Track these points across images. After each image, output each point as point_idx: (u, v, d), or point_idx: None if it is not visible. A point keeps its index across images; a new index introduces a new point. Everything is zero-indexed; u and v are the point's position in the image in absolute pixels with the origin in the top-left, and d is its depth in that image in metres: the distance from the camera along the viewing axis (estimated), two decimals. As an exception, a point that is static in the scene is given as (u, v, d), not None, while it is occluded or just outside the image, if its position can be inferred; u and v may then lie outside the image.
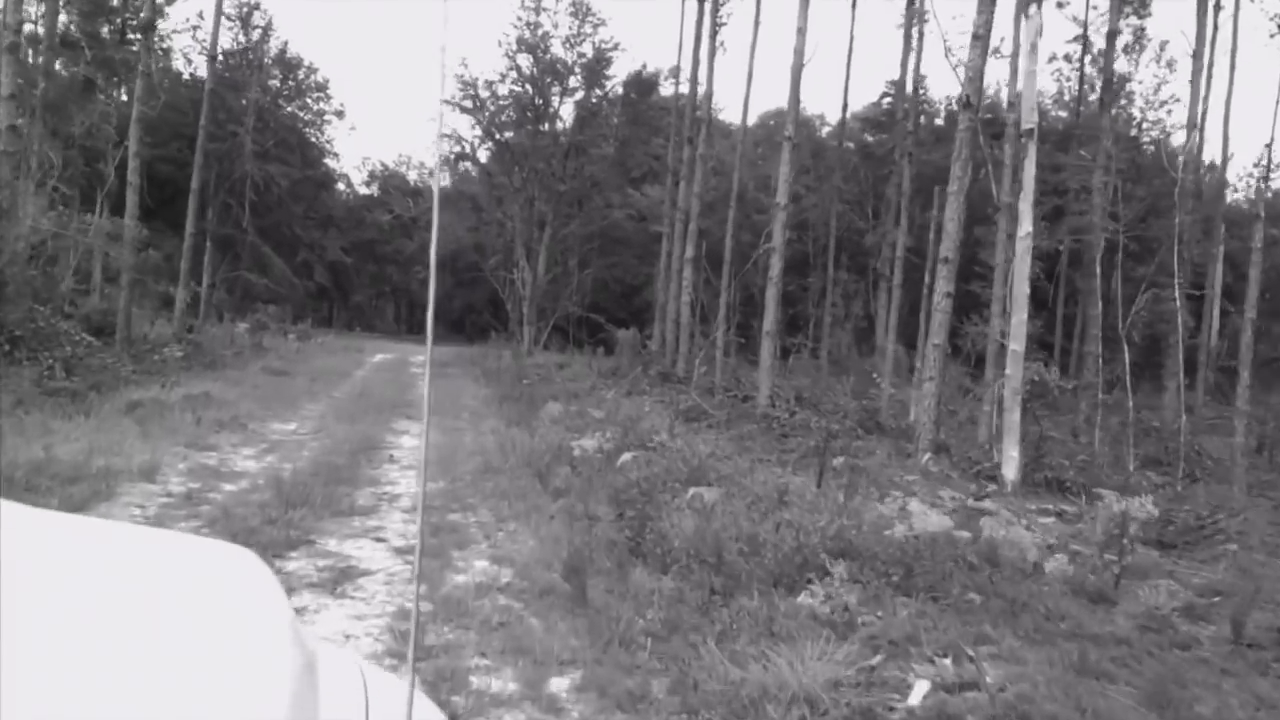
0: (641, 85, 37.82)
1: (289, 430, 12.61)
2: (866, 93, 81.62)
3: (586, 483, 9.30)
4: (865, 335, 37.11)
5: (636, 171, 40.78)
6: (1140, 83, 35.58)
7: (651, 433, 11.88)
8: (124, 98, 41.17)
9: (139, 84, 19.64)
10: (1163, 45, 35.51)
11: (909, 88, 25.23)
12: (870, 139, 39.95)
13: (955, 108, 39.55)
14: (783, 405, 16.58)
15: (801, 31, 15.90)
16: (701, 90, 23.05)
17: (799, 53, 16.00)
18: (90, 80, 25.37)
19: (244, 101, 42.72)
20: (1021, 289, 9.92)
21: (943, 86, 47.38)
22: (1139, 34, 34.62)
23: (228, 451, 10.54)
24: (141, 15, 20.88)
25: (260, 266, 43.26)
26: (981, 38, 11.44)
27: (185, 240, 23.90)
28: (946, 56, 16.55)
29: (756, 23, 22.25)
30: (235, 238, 43.19)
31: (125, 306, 19.17)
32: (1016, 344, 9.99)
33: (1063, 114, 39.56)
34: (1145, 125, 38.42)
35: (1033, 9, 10.08)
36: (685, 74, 27.23)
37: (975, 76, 11.80)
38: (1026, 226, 9.75)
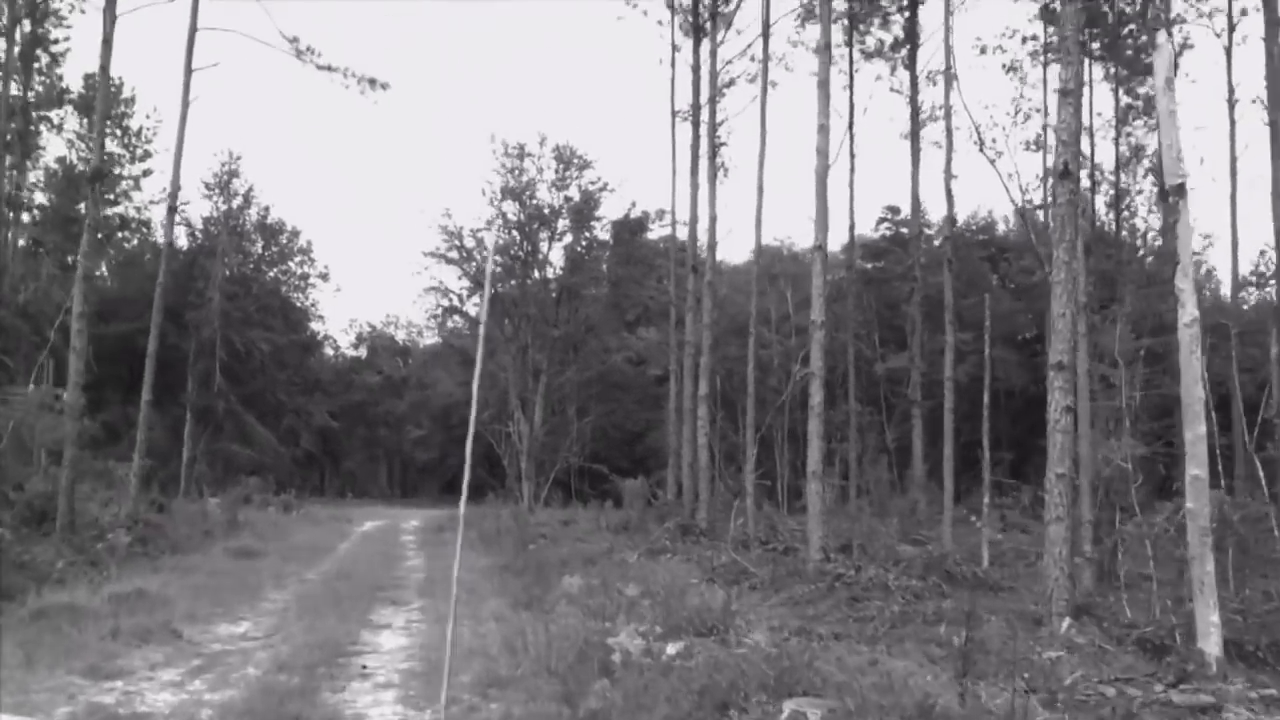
0: (632, 225, 36.11)
1: (237, 634, 9.69)
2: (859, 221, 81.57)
3: (634, 701, 6.44)
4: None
5: (631, 314, 38.70)
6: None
7: (703, 611, 9.02)
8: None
9: (84, 238, 17.36)
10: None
11: (919, 201, 23.27)
12: (869, 266, 38.07)
13: (942, 230, 37.89)
14: (838, 558, 13.72)
15: (824, 129, 13.80)
16: (705, 216, 21.00)
17: (822, 153, 13.87)
18: (38, 242, 23.07)
19: (225, 268, 40.92)
20: (1194, 393, 7.38)
21: (936, 208, 46.16)
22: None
23: (141, 678, 7.64)
24: (90, 165, 18.74)
25: (243, 436, 40.55)
26: (1072, 92, 9.26)
27: (141, 410, 21.06)
28: (981, 149, 14.74)
29: (763, 132, 20.36)
30: (216, 408, 40.65)
31: (67, 487, 16.35)
32: (1197, 467, 7.37)
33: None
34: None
35: (1161, 36, 7.89)
36: (684, 201, 25.38)
37: (1071, 139, 9.59)
38: (1191, 310, 7.29)
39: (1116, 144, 25.33)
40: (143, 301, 42.23)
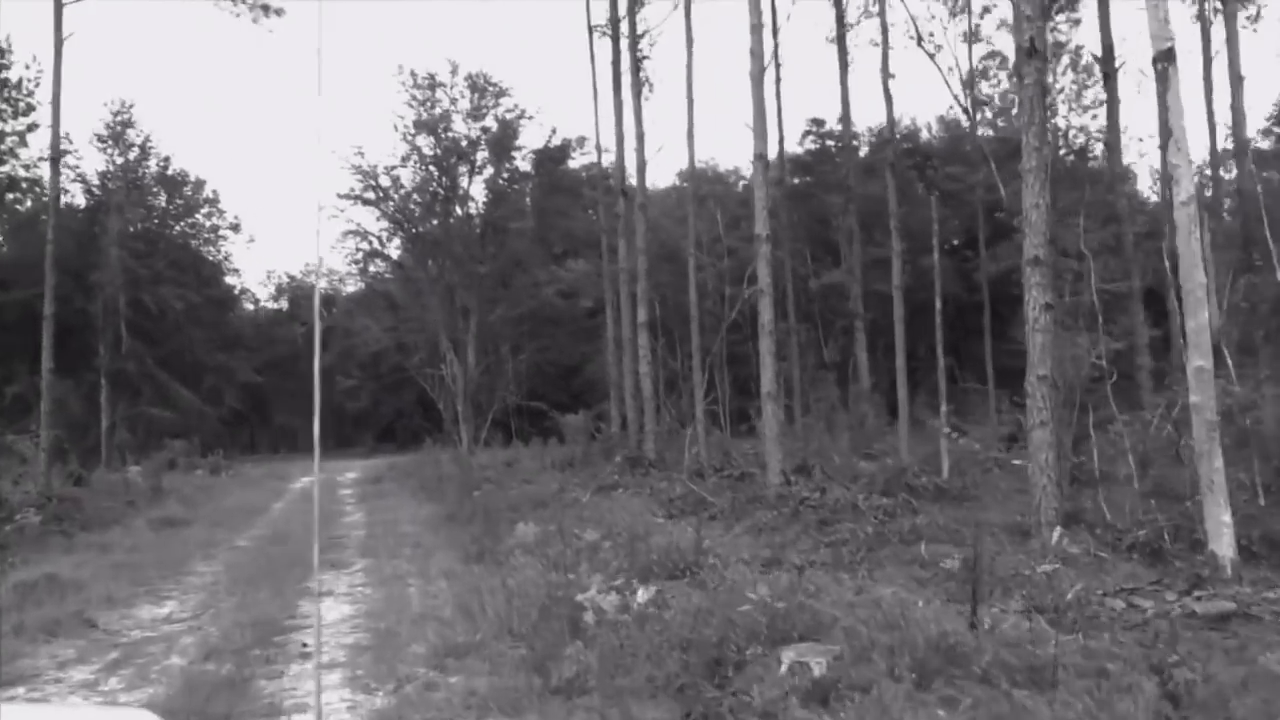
0: (555, 153, 34.72)
1: (160, 617, 8.73)
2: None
3: (611, 663, 5.69)
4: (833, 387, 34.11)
5: (559, 247, 37.52)
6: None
7: (671, 551, 8.31)
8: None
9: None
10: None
11: (849, 109, 22.43)
12: (797, 181, 37.29)
13: (882, 134, 37.23)
14: (798, 480, 13.12)
15: (757, 29, 12.83)
16: (631, 136, 19.93)
17: (757, 55, 12.93)
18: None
19: (127, 224, 38.67)
20: (1195, 278, 6.75)
21: (862, 118, 45.10)
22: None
23: (48, 679, 6.69)
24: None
25: (164, 399, 38.76)
26: (1037, -35, 8.52)
27: (44, 378, 19.60)
28: (920, 43, 13.85)
29: (689, 39, 19.25)
30: (131, 372, 38.74)
31: (-34, 468, 15.02)
32: (1201, 358, 6.76)
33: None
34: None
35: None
36: (608, 123, 24.22)
37: (1036, 14, 8.81)
38: (1187, 188, 6.61)
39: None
40: (43, 266, 39.90)
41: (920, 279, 35.57)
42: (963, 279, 35.54)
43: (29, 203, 40.35)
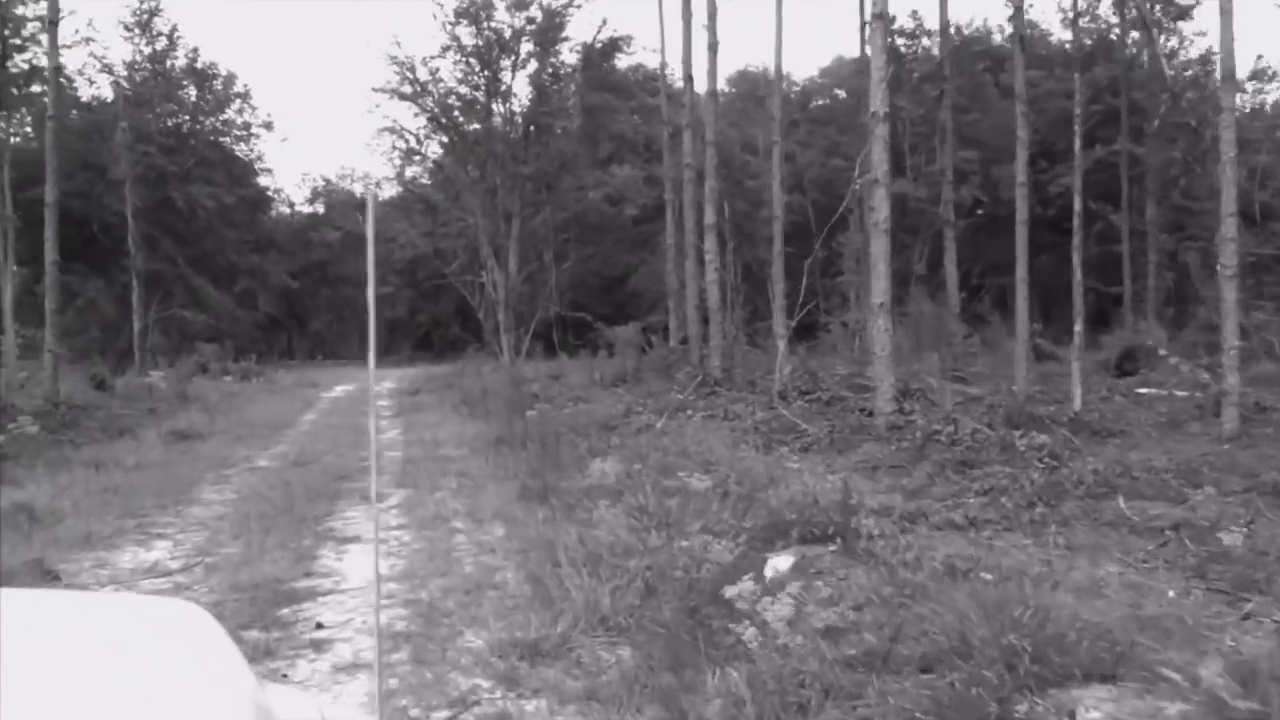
0: (604, 48, 31.96)
1: (144, 567, 6.75)
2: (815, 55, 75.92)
3: (780, 695, 3.59)
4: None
5: (604, 150, 34.87)
6: None
7: (805, 504, 6.16)
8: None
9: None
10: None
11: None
12: (842, 94, 34.29)
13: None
14: (916, 409, 10.91)
15: None
16: (702, 12, 17.23)
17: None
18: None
19: (156, 118, 36.47)
20: None
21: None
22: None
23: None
24: None
25: (196, 302, 37.00)
26: None
27: (47, 271, 17.69)
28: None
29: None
30: (163, 272, 36.94)
31: (-42, 370, 13.13)
32: None
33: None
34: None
35: None
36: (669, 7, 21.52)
37: None
38: None
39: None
40: (72, 162, 37.91)
41: (990, 191, 32.94)
42: (1037, 193, 32.73)
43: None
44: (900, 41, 32.74)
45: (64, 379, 20.77)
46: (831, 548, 5.72)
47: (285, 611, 5.50)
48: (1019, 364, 13.03)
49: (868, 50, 10.73)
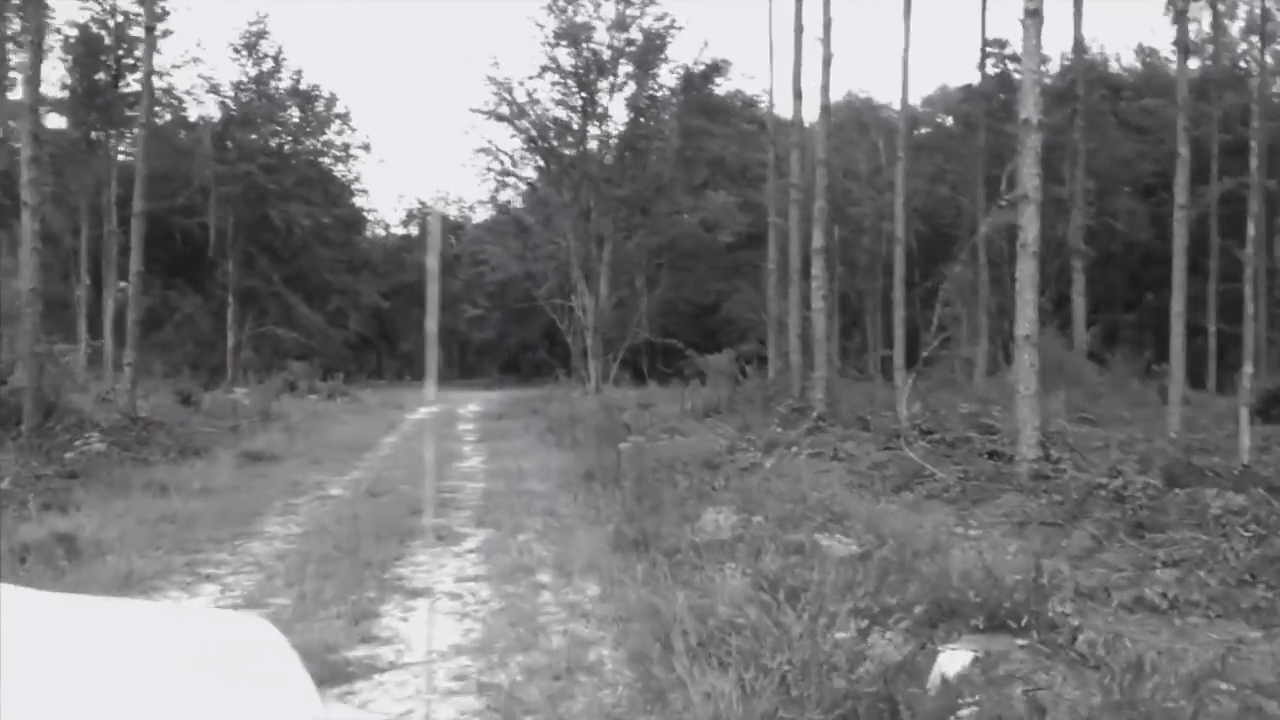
0: (705, 71, 30.92)
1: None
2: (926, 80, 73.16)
3: None
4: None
5: (699, 177, 33.80)
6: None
7: (977, 580, 4.87)
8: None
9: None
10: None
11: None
12: (949, 120, 32.55)
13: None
14: (1063, 456, 9.45)
15: None
16: (816, 25, 16.08)
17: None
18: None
19: (259, 137, 36.72)
20: None
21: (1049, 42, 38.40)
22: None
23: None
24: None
25: (289, 319, 36.98)
26: None
27: (131, 281, 17.27)
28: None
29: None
30: (258, 289, 37.06)
31: (33, 376, 12.57)
32: None
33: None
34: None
35: None
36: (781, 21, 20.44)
37: None
38: None
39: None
40: (178, 179, 38.43)
41: (1103, 223, 30.87)
42: (1157, 225, 30.60)
43: (168, 116, 38.77)
44: (1012, 67, 31.02)
45: (153, 394, 20.48)
46: (1021, 641, 4.42)
47: (336, 690, 4.42)
48: (1173, 408, 11.42)
49: (1016, 48, 9.37)
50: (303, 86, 38.37)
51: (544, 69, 28.54)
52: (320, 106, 39.25)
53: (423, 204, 54.63)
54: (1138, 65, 36.00)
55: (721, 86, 34.92)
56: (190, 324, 37.77)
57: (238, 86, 36.31)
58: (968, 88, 31.39)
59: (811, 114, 18.56)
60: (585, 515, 8.50)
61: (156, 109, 38.30)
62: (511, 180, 33.31)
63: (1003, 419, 11.43)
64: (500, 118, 30.12)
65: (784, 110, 27.11)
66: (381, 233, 52.88)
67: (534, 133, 29.53)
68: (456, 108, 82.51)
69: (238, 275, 36.52)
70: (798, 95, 16.97)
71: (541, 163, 30.80)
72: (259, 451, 13.33)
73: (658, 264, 32.43)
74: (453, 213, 54.12)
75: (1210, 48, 33.42)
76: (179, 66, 35.12)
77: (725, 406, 19.85)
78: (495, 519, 8.64)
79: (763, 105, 37.20)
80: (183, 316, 37.15)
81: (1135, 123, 32.59)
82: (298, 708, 1.18)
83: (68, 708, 1.00)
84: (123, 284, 38.02)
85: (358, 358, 54.12)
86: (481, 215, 50.26)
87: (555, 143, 29.66)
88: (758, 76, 33.61)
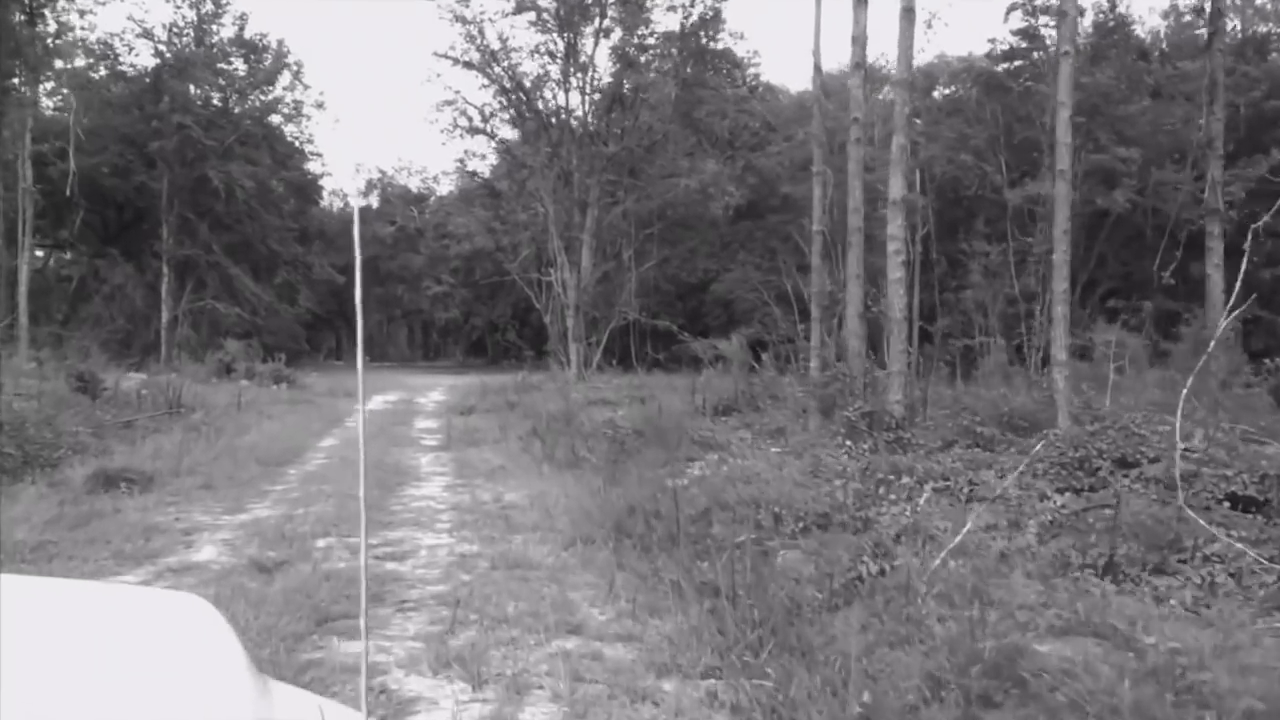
0: (703, 19, 26.59)
1: None
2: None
3: None
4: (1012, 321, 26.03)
5: (694, 137, 29.48)
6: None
7: None
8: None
9: None
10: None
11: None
12: (999, 69, 28.47)
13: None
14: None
15: None
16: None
17: None
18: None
19: (195, 88, 31.87)
20: None
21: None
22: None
23: None
24: None
25: (230, 293, 32.28)
26: None
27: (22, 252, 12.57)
28: None
29: None
30: (197, 259, 32.31)
31: None
32: None
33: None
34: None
35: None
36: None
37: None
38: None
39: None
40: (108, 133, 33.45)
41: (1146, 194, 27.06)
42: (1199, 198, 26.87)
43: (101, 69, 33.66)
44: (1043, 20, 27.13)
45: (54, 377, 16.07)
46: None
47: None
48: None
49: None
50: (248, 35, 33.48)
51: (520, 7, 24.11)
52: (268, 58, 34.35)
53: (383, 174, 49.91)
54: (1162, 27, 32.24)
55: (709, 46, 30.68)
56: (120, 296, 32.88)
57: (172, 29, 31.37)
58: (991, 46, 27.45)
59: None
60: (654, 659, 4.29)
61: (88, 60, 33.30)
62: (481, 139, 28.81)
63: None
64: (468, 65, 25.66)
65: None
66: (340, 204, 48.14)
67: (507, 82, 25.10)
68: (421, 71, 77.17)
69: (173, 243, 31.74)
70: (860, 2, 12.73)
71: (516, 115, 26.37)
72: (125, 471, 8.97)
73: (647, 233, 28.10)
74: (415, 184, 49.47)
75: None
76: (103, 3, 30.05)
77: (745, 403, 15.82)
78: (477, 643, 4.43)
79: (754, 69, 33.01)
80: (111, 288, 32.27)
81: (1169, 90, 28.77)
82: (235, 682, 1.16)
83: (2, 689, 0.95)
84: (40, 252, 32.96)
85: (314, 338, 49.33)
86: (447, 187, 45.74)
87: (531, 93, 25.26)
88: (747, 38, 28.77)
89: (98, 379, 16.78)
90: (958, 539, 5.05)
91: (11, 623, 1.14)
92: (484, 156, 31.79)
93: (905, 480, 8.07)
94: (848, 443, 10.51)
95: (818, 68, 15.04)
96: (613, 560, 5.80)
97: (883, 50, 31.66)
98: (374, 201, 48.32)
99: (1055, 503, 7.02)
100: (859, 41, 12.47)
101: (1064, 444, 8.07)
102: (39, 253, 33.15)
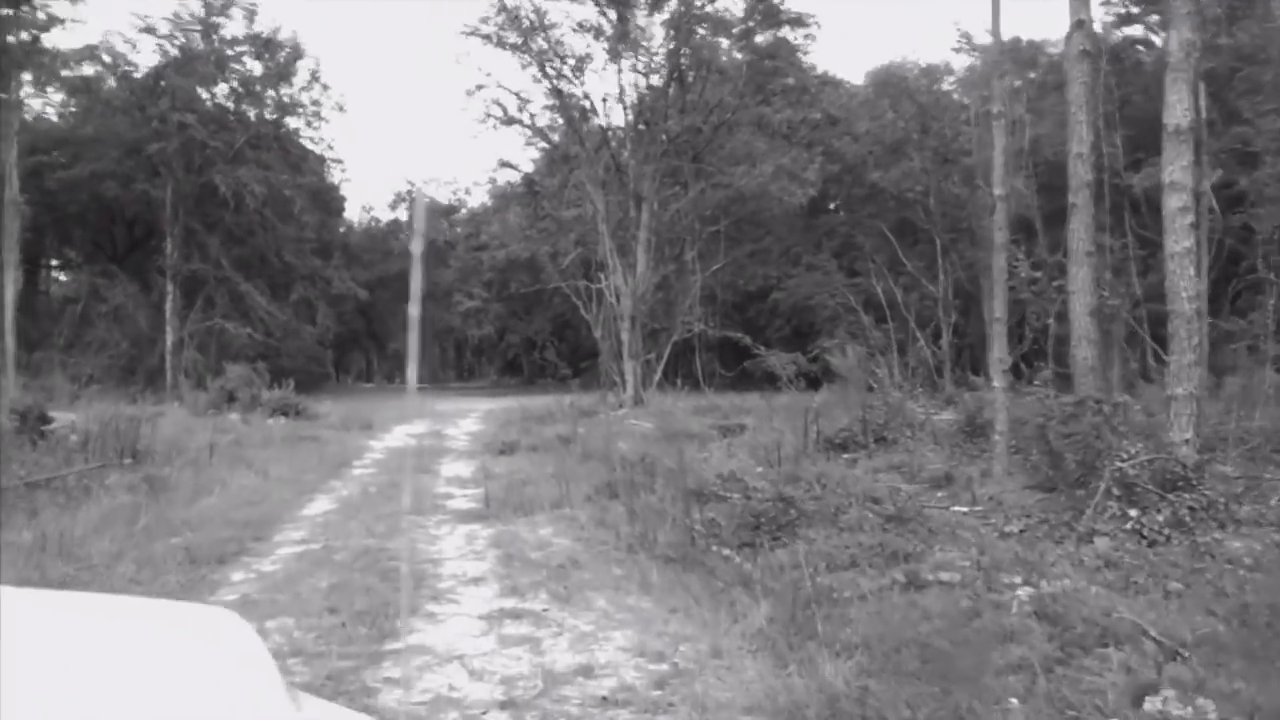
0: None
1: None
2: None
3: None
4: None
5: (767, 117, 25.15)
6: None
7: None
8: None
9: None
10: None
11: None
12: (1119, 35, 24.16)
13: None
14: None
15: None
16: None
17: None
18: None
19: (201, 85, 28.30)
20: None
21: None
22: None
23: None
24: None
25: (240, 311, 28.55)
26: None
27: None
28: None
29: None
30: (205, 275, 28.65)
31: None
32: None
33: None
34: None
35: None
36: None
37: None
38: None
39: None
40: (108, 139, 30.03)
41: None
42: None
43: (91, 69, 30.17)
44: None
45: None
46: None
47: None
48: None
49: None
50: (260, 32, 29.83)
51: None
52: (283, 55, 30.69)
53: (412, 185, 46.31)
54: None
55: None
56: (122, 317, 29.26)
57: (175, 21, 27.78)
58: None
59: None
60: None
61: (85, 61, 29.85)
62: (516, 131, 24.84)
63: None
64: (502, 44, 21.74)
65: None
66: (365, 216, 44.62)
67: (552, 57, 21.13)
68: (450, 84, 73.64)
69: (178, 257, 28.12)
70: None
71: (558, 103, 22.37)
72: (68, 552, 4.98)
73: (713, 231, 23.85)
74: (445, 196, 45.78)
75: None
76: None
77: (872, 435, 11.69)
78: None
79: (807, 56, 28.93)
80: (110, 308, 28.62)
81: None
82: (268, 698, 1.13)
83: (40, 701, 0.94)
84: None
85: (341, 359, 45.64)
86: (479, 198, 42.09)
87: (577, 70, 21.28)
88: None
89: (43, 417, 12.92)
90: None
91: (48, 638, 1.12)
92: (517, 167, 27.89)
93: None
94: (1131, 513, 6.40)
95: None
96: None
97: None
98: (402, 215, 44.70)
99: None
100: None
101: None
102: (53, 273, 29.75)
